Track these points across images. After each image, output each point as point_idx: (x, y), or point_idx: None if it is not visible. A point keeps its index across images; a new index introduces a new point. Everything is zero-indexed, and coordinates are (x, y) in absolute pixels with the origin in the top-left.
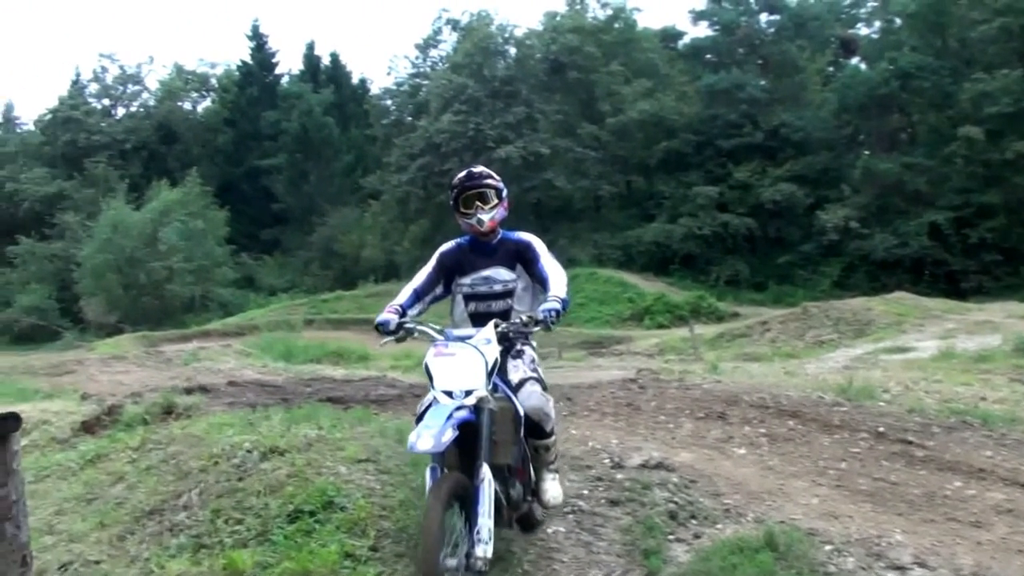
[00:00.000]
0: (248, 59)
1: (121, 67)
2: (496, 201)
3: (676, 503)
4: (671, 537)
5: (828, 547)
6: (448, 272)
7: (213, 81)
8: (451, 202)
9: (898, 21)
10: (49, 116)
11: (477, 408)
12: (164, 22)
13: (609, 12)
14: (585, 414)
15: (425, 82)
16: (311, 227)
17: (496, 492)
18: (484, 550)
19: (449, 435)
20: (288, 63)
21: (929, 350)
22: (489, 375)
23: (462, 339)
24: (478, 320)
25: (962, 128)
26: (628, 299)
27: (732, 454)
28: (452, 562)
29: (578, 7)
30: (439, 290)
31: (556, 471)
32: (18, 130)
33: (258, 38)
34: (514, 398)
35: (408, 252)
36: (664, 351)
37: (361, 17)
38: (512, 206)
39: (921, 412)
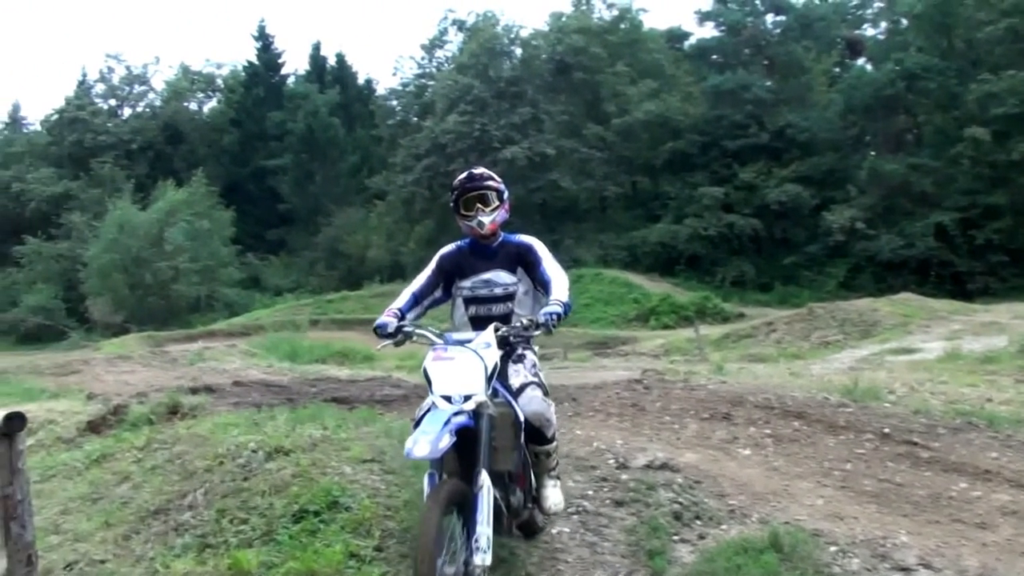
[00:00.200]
0: (254, 59)
1: (127, 67)
2: (497, 203)
3: (681, 504)
4: (676, 538)
5: (833, 548)
6: (448, 275)
7: (219, 81)
8: (451, 204)
9: (904, 22)
10: (56, 116)
11: (476, 413)
12: (170, 23)
13: (615, 13)
14: (590, 415)
15: (431, 83)
16: (316, 227)
17: (496, 499)
18: (483, 558)
19: (446, 441)
20: (294, 63)
21: (935, 351)
22: (489, 380)
23: (461, 343)
24: (478, 323)
25: (968, 129)
26: (633, 300)
27: (737, 455)
28: (450, 570)
29: (584, 8)
30: (439, 293)
31: (557, 477)
32: (25, 130)
33: (264, 39)
34: (514, 403)
35: (413, 252)
36: (669, 352)
37: (367, 18)
38: (518, 207)
39: (927, 413)
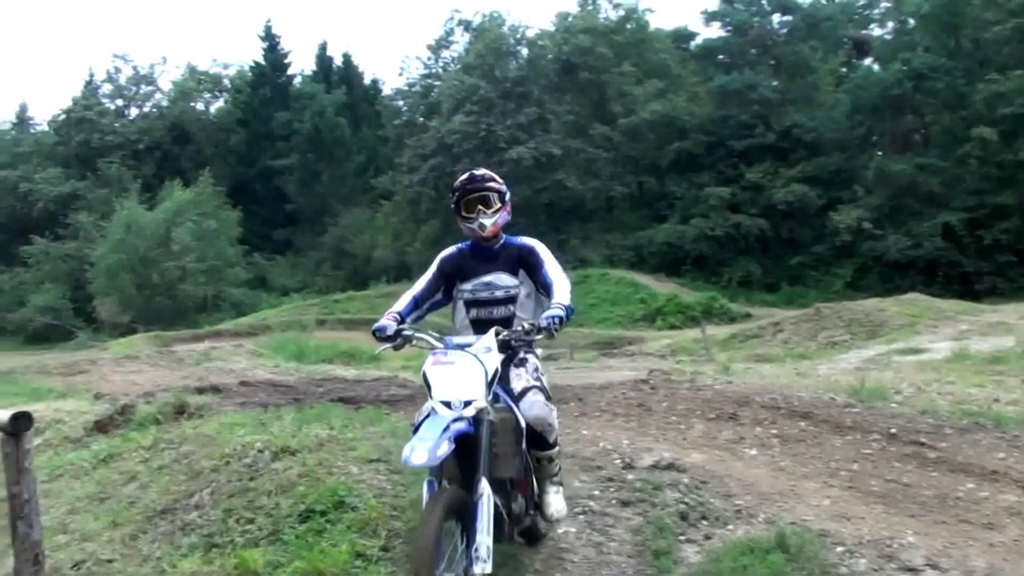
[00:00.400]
0: (261, 60)
1: (134, 68)
2: (499, 205)
3: (687, 504)
4: (682, 538)
5: (840, 548)
6: (449, 278)
7: (226, 82)
8: (452, 205)
9: (911, 22)
10: (63, 116)
11: (476, 419)
12: (177, 23)
13: (621, 13)
14: (596, 415)
15: (437, 83)
16: (323, 227)
17: (497, 506)
18: (482, 568)
19: (444, 449)
20: (300, 64)
21: (942, 351)
22: (489, 385)
23: (461, 347)
24: (479, 327)
25: (976, 129)
26: (640, 300)
27: (743, 455)
28: None
29: (590, 8)
30: (440, 296)
31: (560, 483)
32: (32, 130)
33: (271, 39)
34: (515, 408)
35: (419, 252)
36: (676, 352)
37: (373, 18)
38: (524, 207)
39: (934, 414)
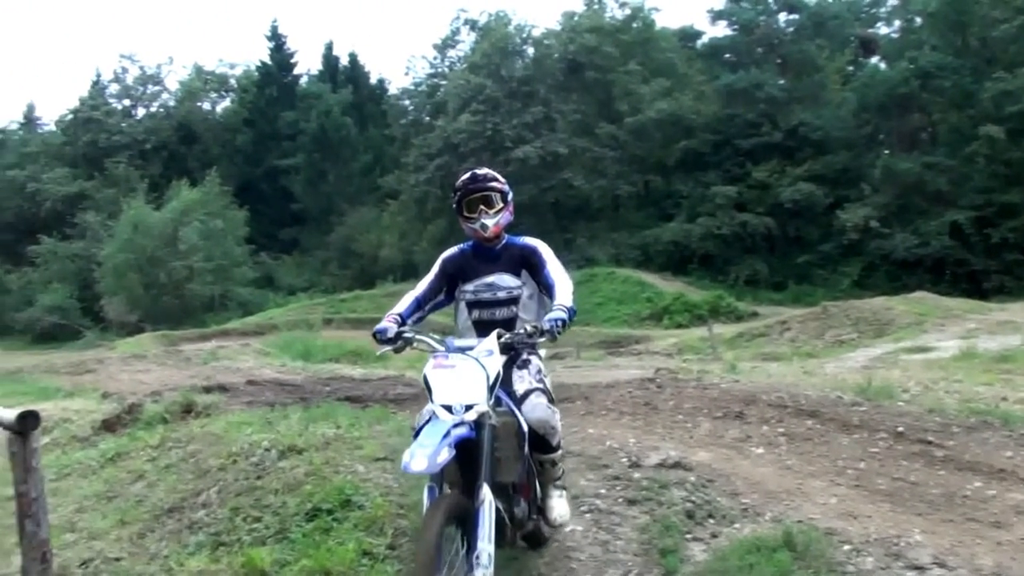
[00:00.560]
0: (267, 60)
1: (141, 68)
2: (501, 205)
3: (693, 502)
4: (688, 536)
5: (847, 547)
6: (451, 278)
7: (232, 81)
8: (454, 205)
9: (918, 20)
10: (70, 116)
11: (478, 424)
12: (184, 23)
13: (627, 12)
14: (603, 413)
15: (443, 82)
16: (330, 227)
17: (499, 511)
18: (483, 575)
19: (445, 455)
20: (307, 63)
21: (950, 350)
22: (491, 389)
23: (463, 350)
24: (482, 328)
25: (983, 127)
26: (646, 299)
27: (750, 453)
28: None
29: (596, 7)
30: (442, 297)
31: (563, 487)
32: (40, 130)
33: (277, 39)
34: (517, 412)
35: (426, 252)
36: (682, 351)
37: (379, 18)
38: (530, 206)
39: (941, 412)
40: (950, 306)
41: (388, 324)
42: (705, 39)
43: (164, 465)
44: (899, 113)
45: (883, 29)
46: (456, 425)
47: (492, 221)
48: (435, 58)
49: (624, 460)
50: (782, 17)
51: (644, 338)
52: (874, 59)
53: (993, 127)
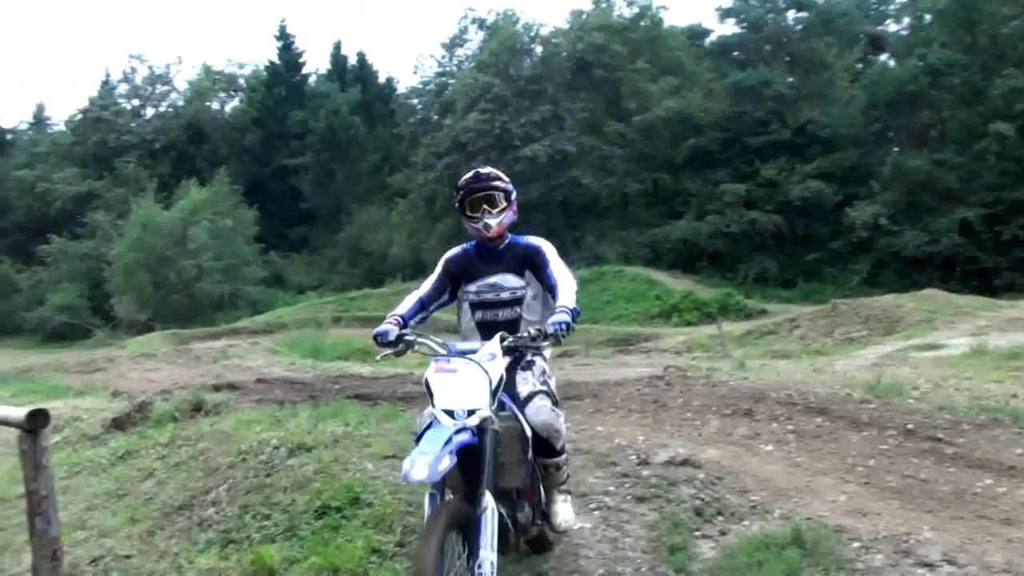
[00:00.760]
0: (275, 59)
1: (150, 68)
2: (504, 204)
3: (702, 500)
4: (697, 533)
5: (856, 544)
6: (454, 278)
7: (241, 81)
8: (456, 205)
9: (928, 17)
10: (80, 116)
11: (480, 429)
12: (192, 23)
13: (635, 10)
14: (612, 411)
15: (451, 81)
16: (339, 226)
17: (502, 516)
18: None
19: (446, 464)
20: (315, 63)
21: (960, 347)
22: (493, 394)
23: (465, 354)
24: (485, 329)
25: (993, 124)
26: (655, 296)
27: (759, 451)
28: None
29: (604, 5)
30: (446, 297)
31: (568, 492)
32: (49, 130)
33: (285, 38)
34: (521, 416)
35: (435, 250)
36: (692, 348)
37: (388, 17)
38: (539, 204)
39: (951, 409)
40: (960, 303)
41: (389, 327)
42: (713, 37)
43: (174, 463)
44: (908, 110)
45: (892, 26)
46: (458, 431)
47: (495, 221)
48: (443, 57)
49: (633, 458)
50: (791, 15)
51: (653, 336)
52: (883, 56)
53: (1003, 124)
